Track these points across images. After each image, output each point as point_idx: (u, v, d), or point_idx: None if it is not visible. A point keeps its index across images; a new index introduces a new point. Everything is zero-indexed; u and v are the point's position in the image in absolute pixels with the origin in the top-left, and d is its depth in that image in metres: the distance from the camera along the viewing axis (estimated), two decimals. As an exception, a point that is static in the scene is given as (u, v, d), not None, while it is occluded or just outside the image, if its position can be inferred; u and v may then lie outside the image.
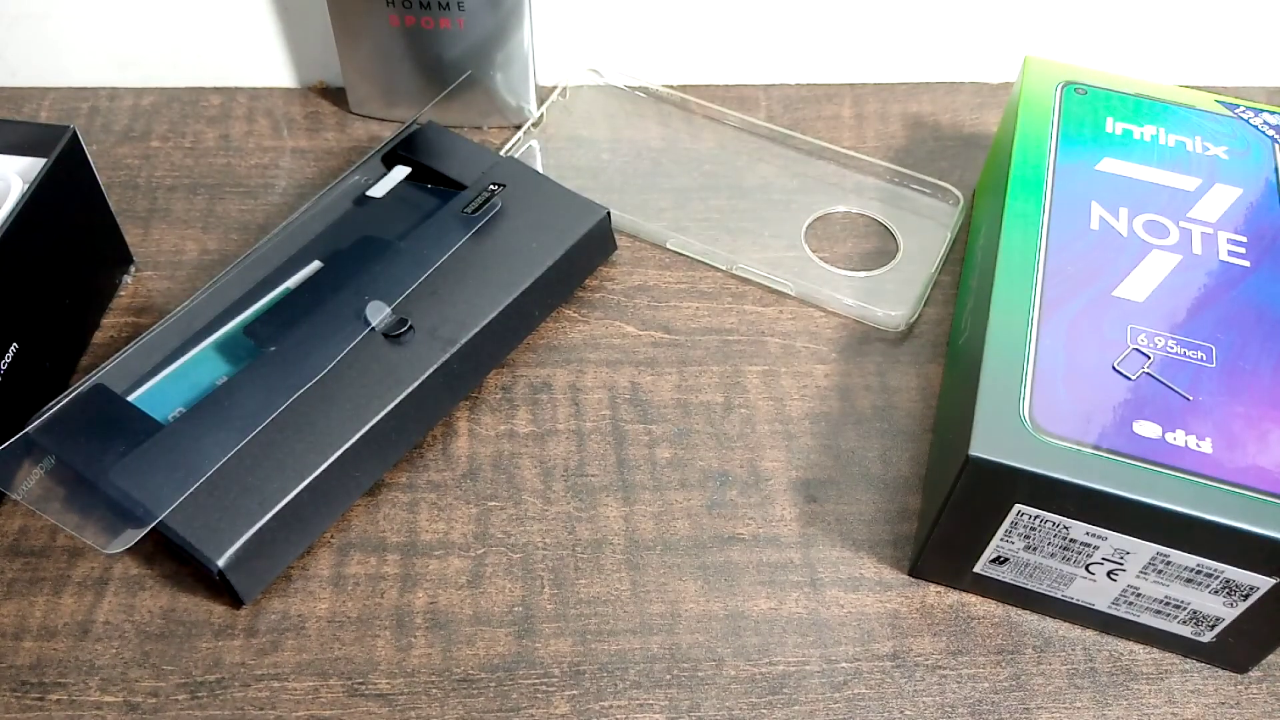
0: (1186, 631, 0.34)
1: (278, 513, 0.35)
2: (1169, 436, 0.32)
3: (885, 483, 0.39)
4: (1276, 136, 0.42)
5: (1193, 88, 0.50)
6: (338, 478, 0.36)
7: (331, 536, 0.37)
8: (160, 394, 0.38)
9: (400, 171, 0.45)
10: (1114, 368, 0.34)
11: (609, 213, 0.45)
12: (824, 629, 0.36)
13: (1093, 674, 0.35)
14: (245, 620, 0.35)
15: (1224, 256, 0.37)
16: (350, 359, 0.38)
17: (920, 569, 0.37)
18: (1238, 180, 0.40)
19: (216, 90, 0.54)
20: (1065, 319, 0.35)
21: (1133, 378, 0.33)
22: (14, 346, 0.37)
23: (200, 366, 0.39)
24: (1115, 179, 0.40)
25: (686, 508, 0.38)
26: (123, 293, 0.45)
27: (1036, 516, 0.32)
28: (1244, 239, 0.38)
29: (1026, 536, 0.33)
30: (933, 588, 0.37)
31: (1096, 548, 0.33)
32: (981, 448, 0.32)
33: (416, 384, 0.38)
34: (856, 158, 0.50)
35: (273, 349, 0.38)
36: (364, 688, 0.34)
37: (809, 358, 0.43)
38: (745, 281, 0.46)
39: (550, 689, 0.34)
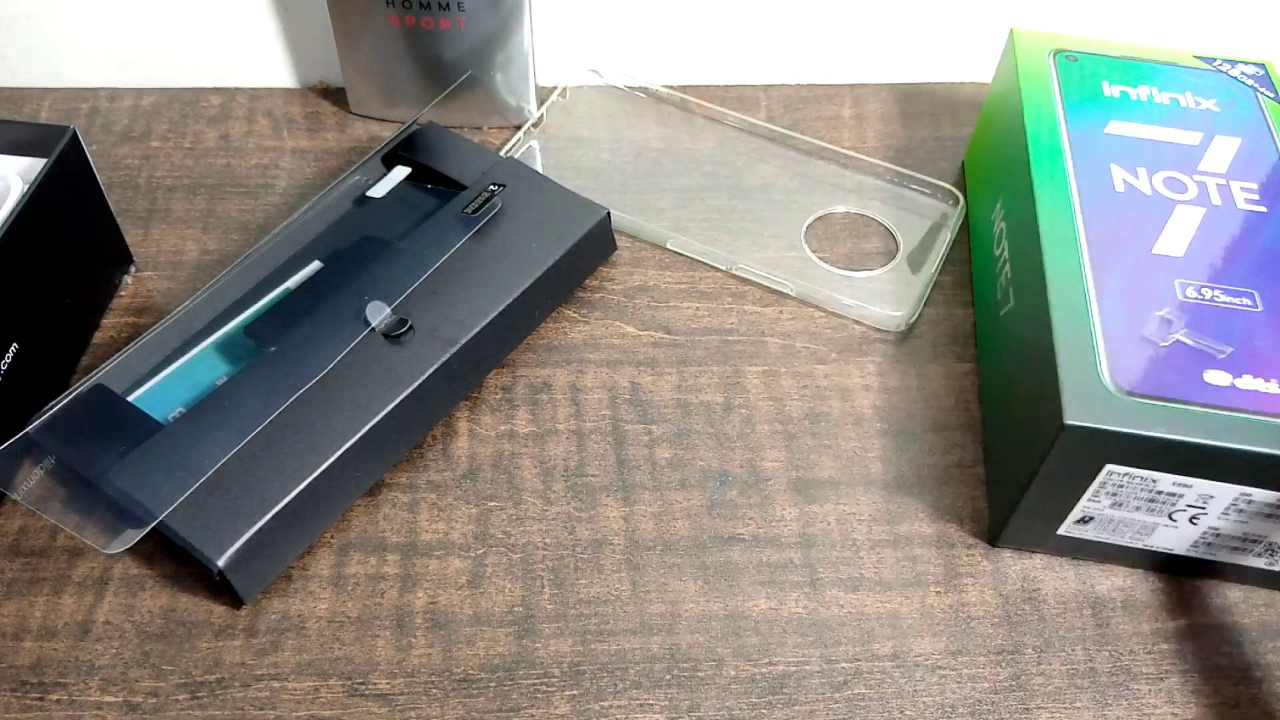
0: (1261, 563, 0.36)
1: (278, 513, 0.35)
2: (1238, 382, 0.33)
3: (885, 483, 0.39)
4: (1256, 86, 0.44)
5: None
6: (338, 478, 0.36)
7: (331, 536, 0.37)
8: (160, 394, 0.38)
9: (400, 172, 0.45)
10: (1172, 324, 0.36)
11: (609, 213, 0.45)
12: (824, 629, 0.36)
13: (1093, 674, 0.35)
14: (245, 620, 0.35)
15: (1242, 205, 0.39)
16: (350, 359, 0.38)
17: (1005, 538, 0.37)
18: (1235, 130, 0.42)
19: (216, 90, 0.54)
20: (1117, 281, 0.36)
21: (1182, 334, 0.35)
22: (14, 346, 0.37)
23: (200, 366, 0.39)
24: (1126, 140, 0.42)
25: (686, 508, 0.38)
26: (123, 293, 0.45)
27: (1126, 474, 0.33)
28: (1255, 186, 0.40)
29: (1114, 494, 0.34)
30: (932, 588, 0.37)
31: (1181, 496, 0.34)
32: (1075, 415, 0.32)
33: (416, 384, 0.38)
34: (856, 158, 0.50)
35: (273, 349, 0.38)
36: (364, 688, 0.34)
37: (809, 358, 0.43)
38: (745, 281, 0.46)
39: (550, 689, 0.34)
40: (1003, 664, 0.35)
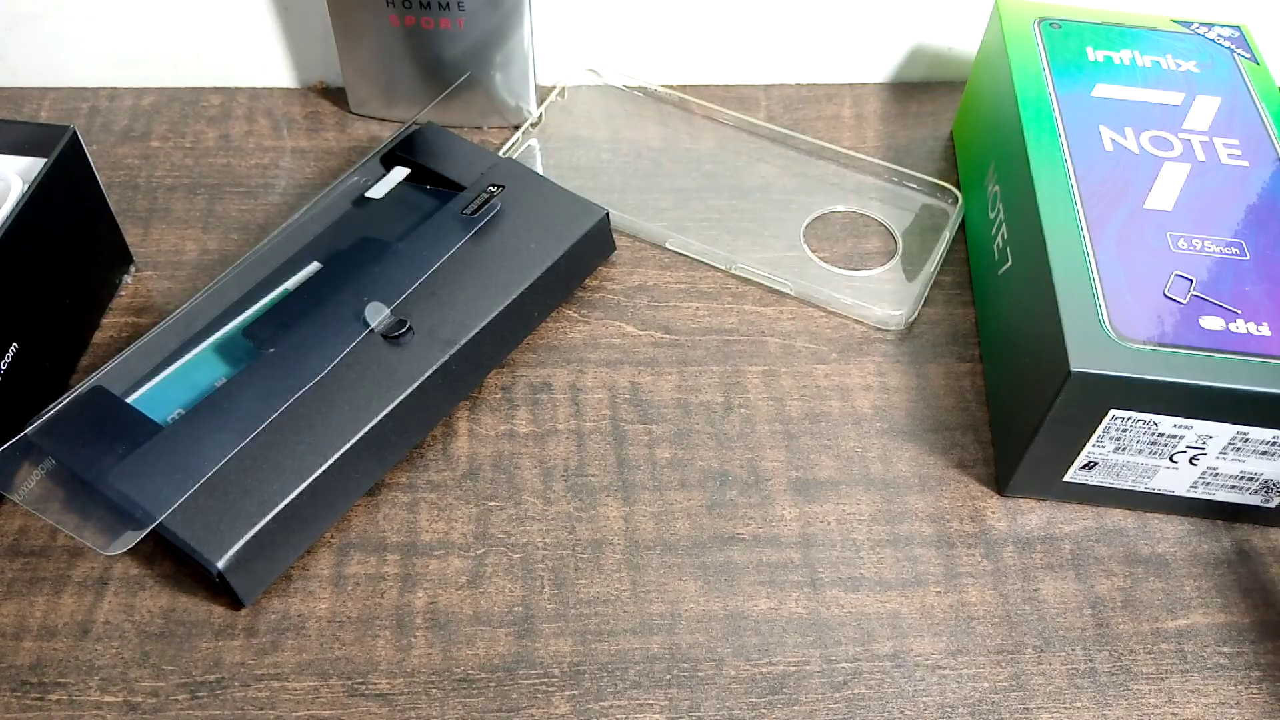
0: (1256, 501, 0.38)
1: (277, 514, 0.35)
2: (1232, 326, 0.35)
3: (885, 483, 0.39)
4: (1233, 47, 0.46)
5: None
6: (337, 479, 0.36)
7: (331, 536, 0.37)
8: (159, 395, 0.38)
9: (399, 173, 0.45)
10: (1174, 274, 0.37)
11: (608, 213, 0.45)
12: (824, 629, 0.36)
13: (1093, 674, 0.35)
14: (245, 620, 0.35)
15: (1225, 160, 0.41)
16: (350, 360, 0.38)
17: (1014, 487, 0.39)
18: (1214, 90, 0.44)
19: (216, 90, 0.54)
20: (1112, 235, 0.38)
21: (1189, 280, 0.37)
22: (14, 346, 0.37)
23: (200, 368, 0.39)
24: (1112, 102, 0.44)
25: (686, 508, 0.38)
26: (123, 293, 0.45)
27: (1129, 418, 0.35)
28: (1236, 141, 0.42)
29: (1117, 438, 0.36)
30: (932, 588, 0.37)
31: (1182, 437, 0.36)
32: (1080, 362, 0.34)
33: (416, 385, 0.38)
34: (856, 158, 0.50)
35: (272, 350, 0.38)
36: (364, 688, 0.34)
37: (809, 358, 0.43)
38: (745, 281, 0.46)
39: (550, 689, 0.34)
40: (1003, 664, 0.35)
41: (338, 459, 0.36)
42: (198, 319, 0.40)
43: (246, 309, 0.40)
